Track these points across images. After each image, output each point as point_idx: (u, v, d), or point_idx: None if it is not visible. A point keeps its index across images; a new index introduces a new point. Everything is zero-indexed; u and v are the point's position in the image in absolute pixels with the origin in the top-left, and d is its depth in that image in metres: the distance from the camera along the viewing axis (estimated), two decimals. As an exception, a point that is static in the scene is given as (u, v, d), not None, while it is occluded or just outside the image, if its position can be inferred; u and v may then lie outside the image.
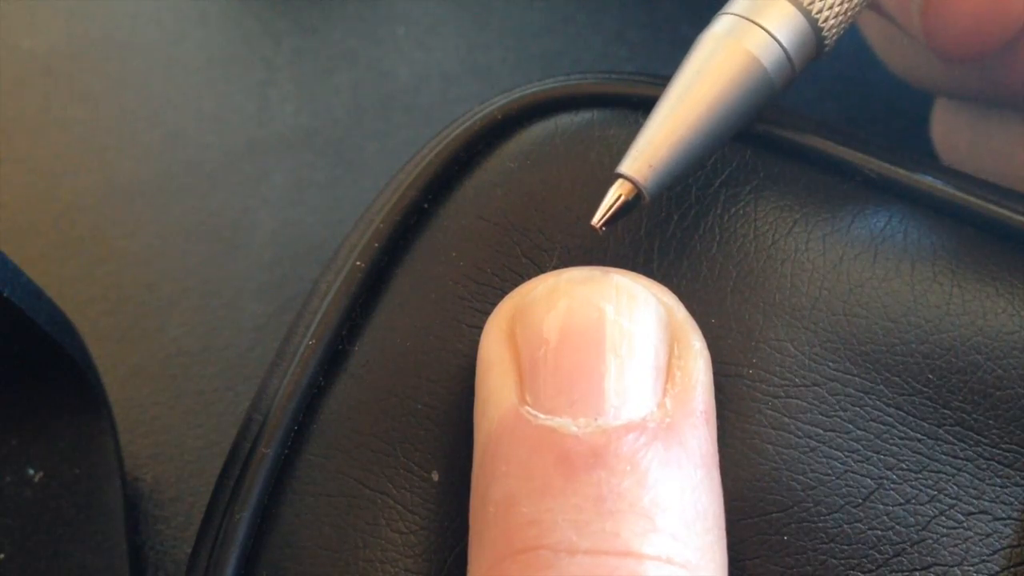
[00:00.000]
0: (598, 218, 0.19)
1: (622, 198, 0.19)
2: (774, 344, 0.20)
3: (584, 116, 0.22)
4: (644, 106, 0.21)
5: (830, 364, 0.20)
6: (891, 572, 0.18)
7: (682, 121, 0.19)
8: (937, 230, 0.21)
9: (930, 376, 0.19)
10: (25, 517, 0.24)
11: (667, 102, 0.19)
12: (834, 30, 0.20)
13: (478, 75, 0.34)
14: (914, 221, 0.21)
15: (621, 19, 0.35)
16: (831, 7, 0.20)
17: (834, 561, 0.18)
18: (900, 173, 0.21)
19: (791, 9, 0.20)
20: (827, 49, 0.20)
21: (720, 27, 0.20)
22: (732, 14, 0.20)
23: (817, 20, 0.20)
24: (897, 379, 0.19)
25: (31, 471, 0.25)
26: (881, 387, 0.19)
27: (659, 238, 0.20)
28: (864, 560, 0.18)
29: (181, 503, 0.27)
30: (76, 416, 0.25)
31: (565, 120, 0.22)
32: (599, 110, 0.22)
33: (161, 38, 0.35)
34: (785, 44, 0.20)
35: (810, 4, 0.20)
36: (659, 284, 0.18)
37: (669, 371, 0.17)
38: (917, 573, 0.18)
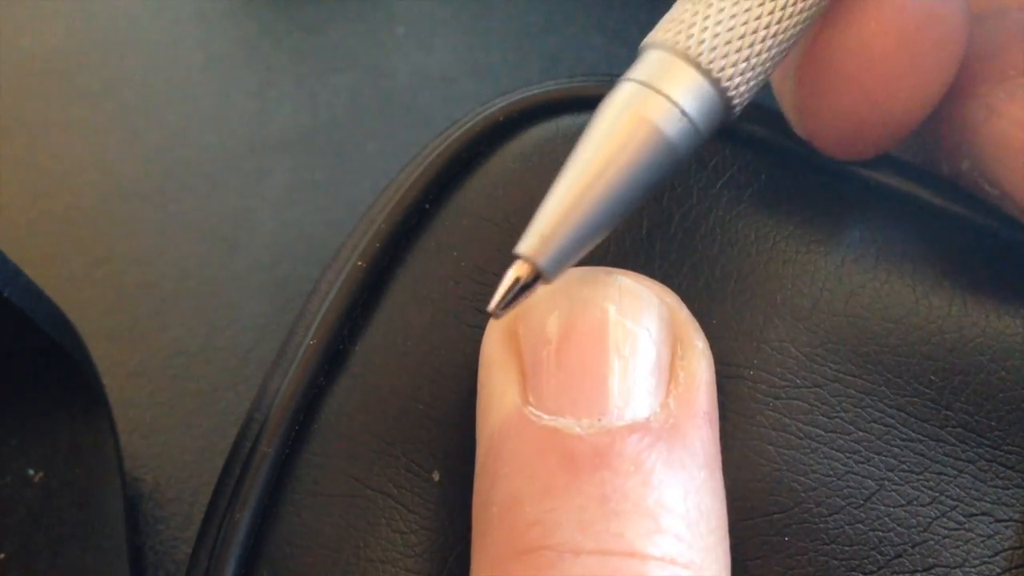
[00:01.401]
0: (494, 304, 0.17)
1: (520, 281, 0.17)
2: (775, 345, 0.20)
3: (585, 118, 0.21)
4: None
5: (831, 365, 0.20)
6: (892, 573, 0.18)
7: (582, 198, 0.17)
8: (939, 232, 0.21)
9: (932, 377, 0.19)
10: (25, 517, 0.24)
11: (566, 177, 0.18)
12: (742, 90, 0.19)
13: (478, 75, 0.34)
14: (915, 224, 0.21)
15: (622, 19, 0.35)
16: (735, 65, 0.18)
17: (835, 562, 0.18)
18: (901, 181, 0.21)
19: (693, 73, 0.18)
20: (737, 110, 0.19)
21: (621, 95, 0.18)
22: (632, 80, 0.18)
23: (719, 81, 0.18)
24: (899, 380, 0.19)
25: (31, 471, 0.25)
26: (883, 388, 0.19)
27: (661, 238, 0.20)
28: (865, 561, 0.18)
29: (181, 503, 0.27)
30: (76, 416, 0.25)
31: (567, 122, 0.22)
32: (600, 111, 0.22)
33: (161, 38, 0.35)
34: (690, 112, 0.18)
35: (710, 64, 0.18)
36: (661, 284, 0.18)
37: (672, 371, 0.17)
38: (918, 574, 0.18)
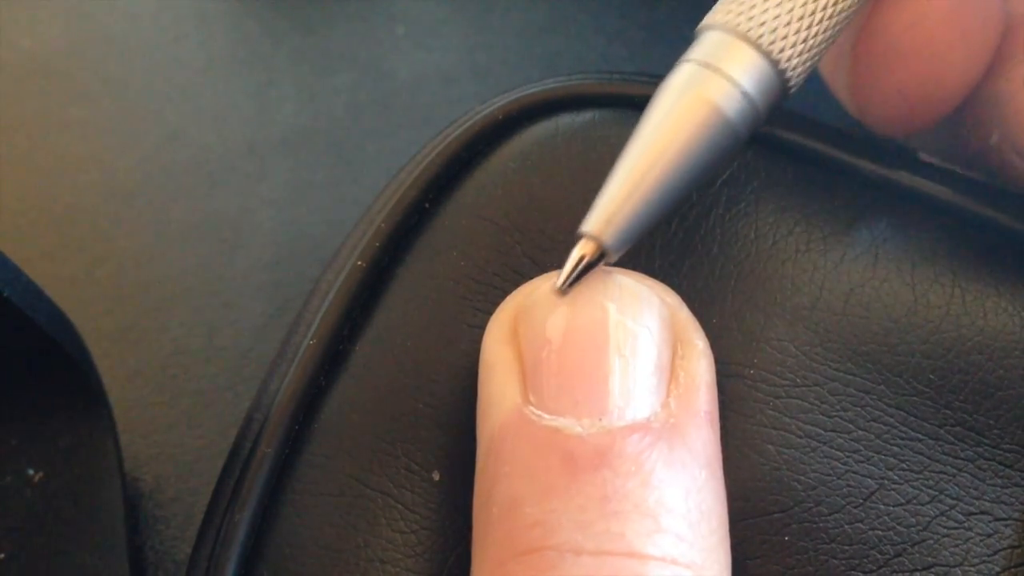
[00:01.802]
0: (562, 281, 0.18)
1: (586, 259, 0.18)
2: (775, 344, 0.20)
3: (585, 116, 0.22)
4: (644, 106, 0.21)
5: (831, 364, 0.20)
6: (892, 572, 0.18)
7: (644, 177, 0.18)
8: (938, 231, 0.21)
9: (931, 376, 0.19)
10: (25, 517, 0.24)
11: (628, 157, 0.18)
12: (799, 71, 0.19)
13: (478, 75, 0.34)
14: (915, 222, 0.21)
15: (621, 19, 0.35)
16: (794, 46, 0.19)
17: (835, 561, 0.18)
18: (901, 175, 0.21)
19: (752, 54, 0.19)
20: (792, 91, 0.19)
21: (680, 76, 0.19)
22: (692, 61, 0.19)
23: (779, 62, 0.19)
24: (898, 379, 0.19)
25: (31, 471, 0.25)
26: (882, 387, 0.19)
27: (660, 238, 0.20)
28: (865, 560, 0.18)
29: (181, 503, 0.27)
30: (76, 416, 0.25)
31: (566, 120, 0.22)
32: (600, 110, 0.22)
33: (161, 38, 0.35)
34: (749, 91, 0.18)
35: (771, 45, 0.19)
36: (662, 284, 0.18)
37: (673, 371, 0.17)
38: (918, 573, 0.18)
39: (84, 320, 0.26)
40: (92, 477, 0.25)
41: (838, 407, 0.19)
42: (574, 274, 0.18)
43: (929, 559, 0.18)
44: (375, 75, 0.34)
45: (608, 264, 0.18)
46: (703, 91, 0.18)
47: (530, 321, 0.18)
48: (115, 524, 0.24)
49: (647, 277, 0.18)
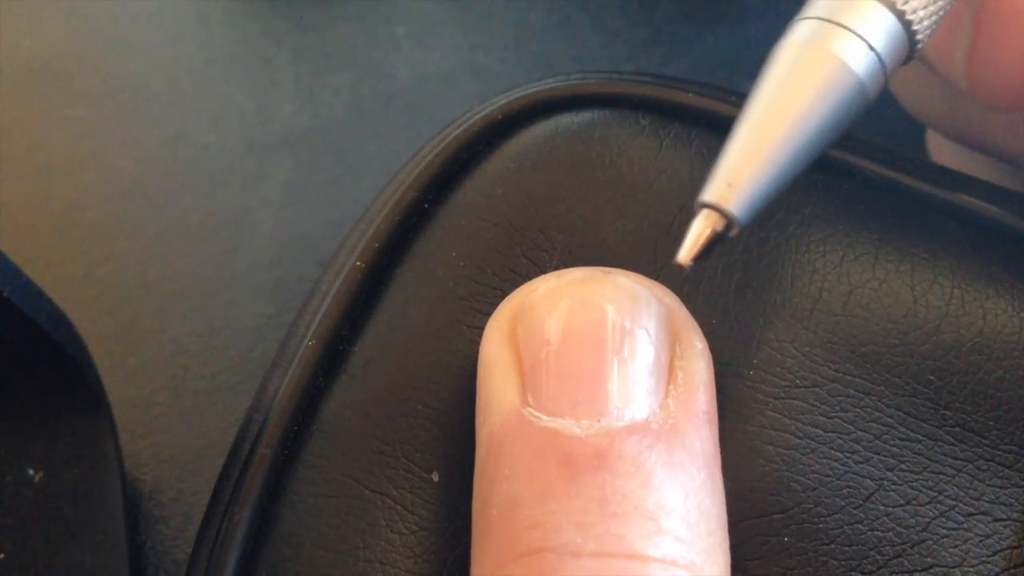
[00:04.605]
0: (685, 253, 0.16)
1: (711, 230, 0.16)
2: (774, 345, 0.20)
3: (585, 116, 0.22)
4: (644, 106, 0.22)
5: (831, 365, 0.20)
6: (891, 573, 0.18)
7: (770, 140, 0.16)
8: (937, 232, 0.21)
9: (931, 377, 0.19)
10: (25, 517, 0.24)
11: (749, 120, 0.17)
12: (926, 25, 0.18)
13: (478, 75, 0.34)
14: (914, 223, 0.21)
15: (621, 19, 0.35)
16: (922, 1, 0.17)
17: (834, 562, 0.18)
18: (900, 175, 0.21)
19: (879, 8, 0.17)
20: (918, 50, 0.18)
21: (801, 33, 0.17)
22: (813, 18, 0.17)
23: (904, 14, 0.17)
24: (897, 380, 0.19)
25: (31, 471, 0.25)
26: (881, 388, 0.19)
27: (660, 239, 0.20)
28: (864, 561, 0.18)
29: (181, 503, 0.28)
30: (76, 416, 0.25)
31: (566, 120, 0.22)
32: (600, 110, 0.22)
33: (161, 38, 0.35)
34: (877, 47, 0.17)
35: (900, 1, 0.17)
36: (660, 284, 0.18)
37: (671, 372, 0.17)
38: (917, 574, 0.18)
39: (84, 320, 0.26)
40: (92, 477, 0.25)
41: (837, 408, 0.19)
42: (701, 246, 0.16)
43: (928, 560, 0.18)
44: (375, 75, 0.34)
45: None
46: (829, 46, 0.17)
47: (529, 322, 0.18)
48: (115, 524, 0.24)
49: (645, 278, 0.18)
